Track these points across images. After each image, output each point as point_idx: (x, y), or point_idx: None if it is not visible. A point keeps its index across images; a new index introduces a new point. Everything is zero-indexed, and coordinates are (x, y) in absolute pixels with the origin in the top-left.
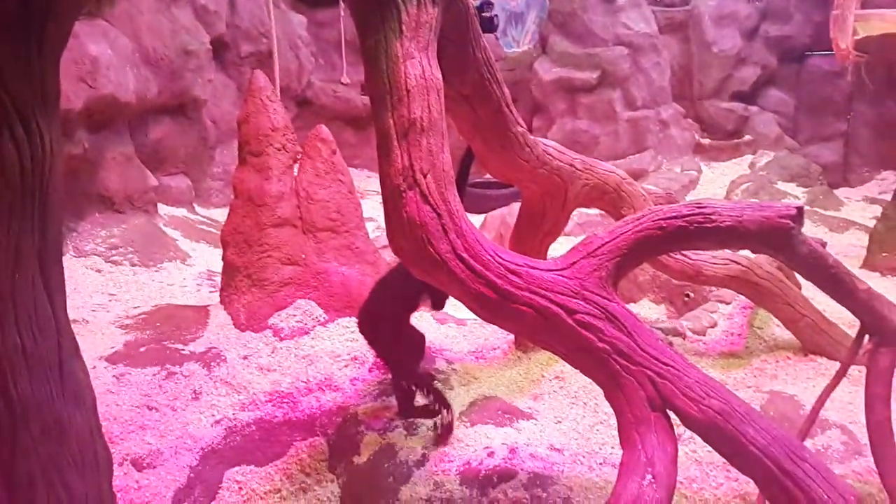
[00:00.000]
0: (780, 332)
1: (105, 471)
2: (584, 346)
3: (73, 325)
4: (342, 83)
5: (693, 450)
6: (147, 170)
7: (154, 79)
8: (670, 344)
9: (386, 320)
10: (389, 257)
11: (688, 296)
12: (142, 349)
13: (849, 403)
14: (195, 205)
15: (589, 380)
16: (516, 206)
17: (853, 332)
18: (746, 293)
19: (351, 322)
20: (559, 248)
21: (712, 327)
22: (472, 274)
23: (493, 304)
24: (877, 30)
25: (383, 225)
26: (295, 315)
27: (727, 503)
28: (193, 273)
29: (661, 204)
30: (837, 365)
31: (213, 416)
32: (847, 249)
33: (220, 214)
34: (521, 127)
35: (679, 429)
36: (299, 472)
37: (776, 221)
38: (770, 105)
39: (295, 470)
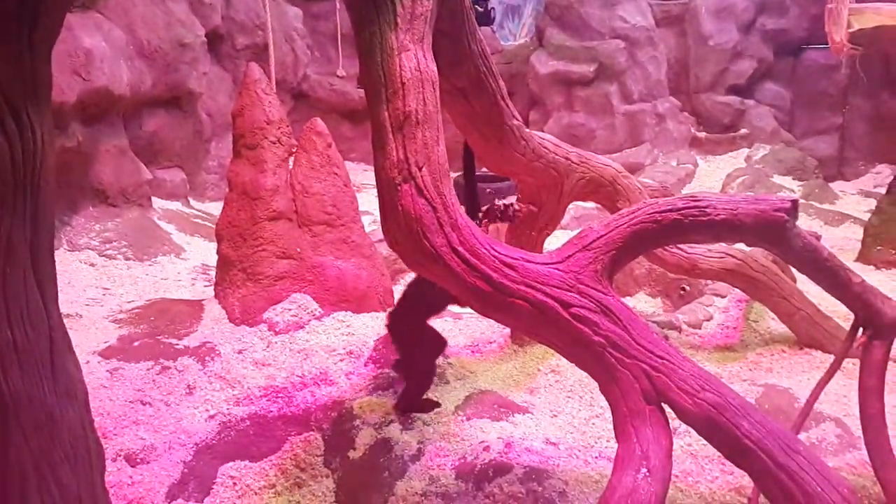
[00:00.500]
0: (776, 326)
1: (97, 466)
2: (579, 339)
3: (66, 320)
4: (338, 76)
5: (688, 443)
6: (141, 163)
7: (148, 71)
8: (666, 337)
9: (412, 321)
10: (385, 251)
11: (684, 289)
12: (135, 343)
13: (843, 396)
14: (190, 198)
15: (585, 373)
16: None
17: (848, 326)
18: (742, 287)
19: (346, 316)
20: (556, 241)
21: (708, 321)
22: (467, 267)
23: (488, 297)
24: (871, 22)
25: (379, 218)
26: (290, 309)
27: (722, 497)
28: (188, 267)
29: (656, 197)
30: (832, 358)
31: (207, 410)
32: (842, 243)
33: (215, 208)
34: (517, 120)
35: (674, 422)
36: (294, 468)
37: (770, 215)
38: (766, 99)
39: (290, 465)
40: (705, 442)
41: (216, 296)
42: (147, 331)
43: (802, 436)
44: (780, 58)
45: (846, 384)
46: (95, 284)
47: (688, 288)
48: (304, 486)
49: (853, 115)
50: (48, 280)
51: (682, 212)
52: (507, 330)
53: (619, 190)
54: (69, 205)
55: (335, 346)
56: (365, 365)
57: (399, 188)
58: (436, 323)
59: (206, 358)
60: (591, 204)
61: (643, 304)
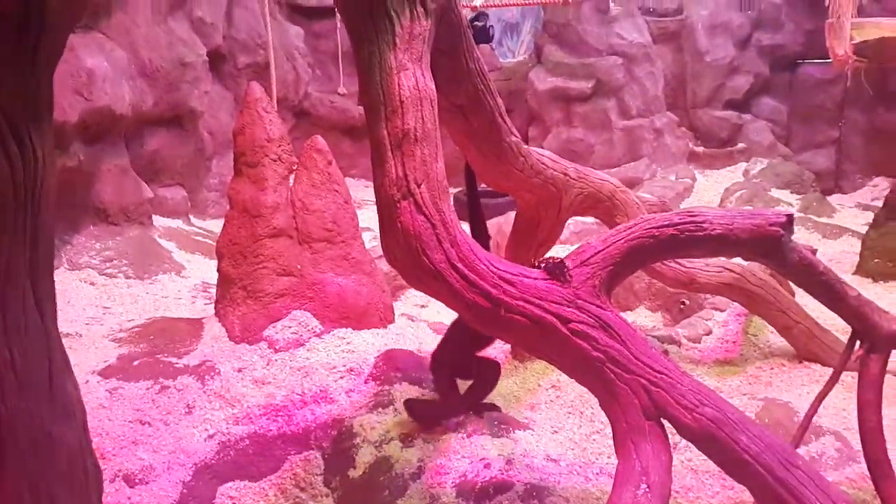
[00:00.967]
0: (775, 339)
1: (95, 487)
2: (578, 354)
3: (66, 339)
4: (339, 94)
5: (688, 458)
6: (142, 182)
7: (150, 90)
8: (665, 352)
9: (460, 357)
10: (386, 267)
11: (683, 304)
12: (135, 363)
13: (842, 410)
14: (191, 216)
15: (585, 389)
16: (512, 214)
17: (846, 339)
18: (740, 301)
19: (347, 333)
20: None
21: (707, 335)
22: (466, 283)
23: (487, 313)
24: (873, 34)
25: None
26: (290, 326)
27: None
28: (188, 285)
29: (654, 212)
30: (831, 371)
31: (206, 430)
32: (840, 256)
33: (216, 225)
34: (515, 137)
35: (674, 437)
36: (294, 487)
37: (766, 229)
38: (763, 113)
39: (289, 484)
40: (706, 457)
41: (216, 314)
42: (147, 350)
43: (802, 449)
44: (776, 73)
45: (846, 397)
46: (95, 303)
47: (687, 302)
48: None
49: (850, 129)
50: (47, 299)
51: (679, 227)
52: (508, 346)
53: (618, 205)
54: (70, 224)
55: (335, 363)
56: (365, 382)
57: (398, 205)
58: (437, 339)
59: (206, 377)
60: (590, 219)
61: (643, 318)
